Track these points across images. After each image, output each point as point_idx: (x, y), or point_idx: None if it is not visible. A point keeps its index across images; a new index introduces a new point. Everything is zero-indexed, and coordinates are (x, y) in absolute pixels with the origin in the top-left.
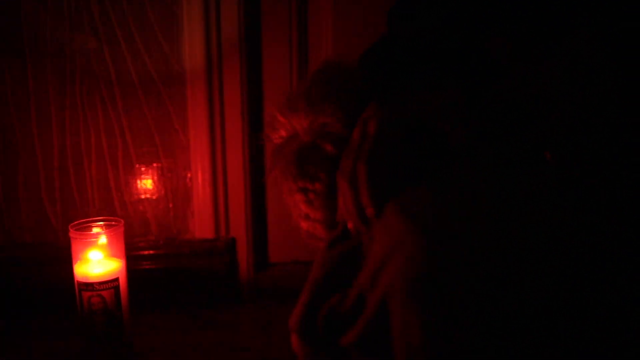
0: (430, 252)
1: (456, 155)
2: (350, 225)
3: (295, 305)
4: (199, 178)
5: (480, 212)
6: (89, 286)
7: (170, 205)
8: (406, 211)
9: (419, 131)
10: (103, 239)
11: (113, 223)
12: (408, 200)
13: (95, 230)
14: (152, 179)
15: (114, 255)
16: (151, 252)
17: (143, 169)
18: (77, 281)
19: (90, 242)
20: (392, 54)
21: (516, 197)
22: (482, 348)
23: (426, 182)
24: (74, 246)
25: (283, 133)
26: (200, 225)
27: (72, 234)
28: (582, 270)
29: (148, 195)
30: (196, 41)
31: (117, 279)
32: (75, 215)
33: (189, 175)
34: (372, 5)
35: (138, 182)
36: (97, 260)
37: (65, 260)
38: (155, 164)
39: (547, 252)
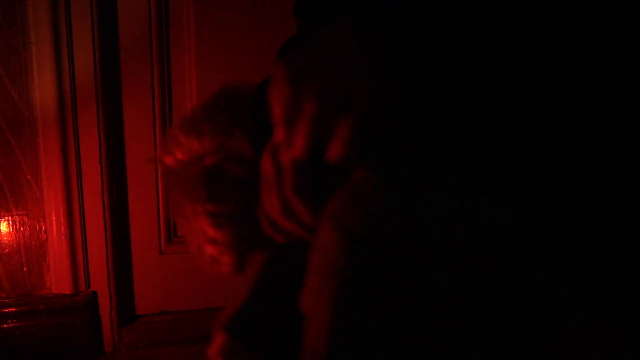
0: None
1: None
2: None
3: (227, 308)
4: (54, 231)
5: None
6: None
7: (24, 259)
8: (334, 219)
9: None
10: None
11: None
12: (334, 206)
13: None
14: (2, 232)
15: None
16: (3, 310)
17: None
18: None
19: None
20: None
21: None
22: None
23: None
24: None
25: (179, 156)
26: (57, 280)
27: None
28: (579, 271)
29: None
30: (47, 87)
31: None
32: None
33: (43, 227)
34: (235, 49)
35: None
36: None
37: None
38: (5, 217)
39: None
